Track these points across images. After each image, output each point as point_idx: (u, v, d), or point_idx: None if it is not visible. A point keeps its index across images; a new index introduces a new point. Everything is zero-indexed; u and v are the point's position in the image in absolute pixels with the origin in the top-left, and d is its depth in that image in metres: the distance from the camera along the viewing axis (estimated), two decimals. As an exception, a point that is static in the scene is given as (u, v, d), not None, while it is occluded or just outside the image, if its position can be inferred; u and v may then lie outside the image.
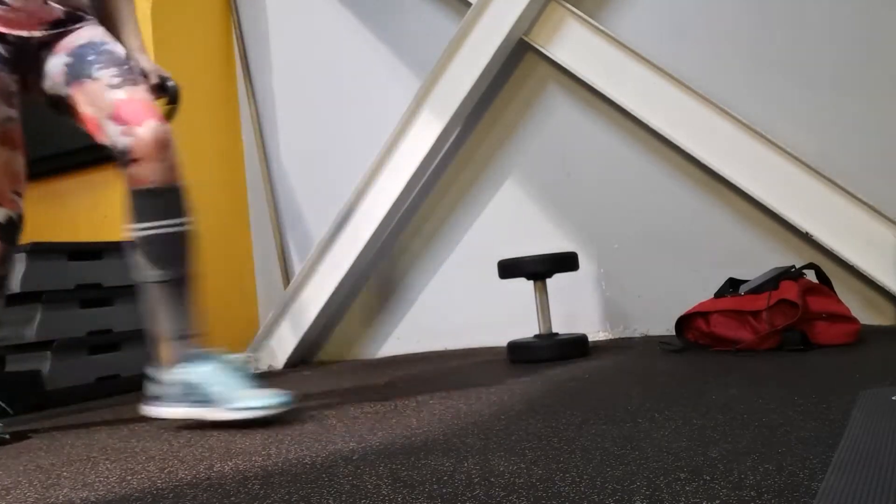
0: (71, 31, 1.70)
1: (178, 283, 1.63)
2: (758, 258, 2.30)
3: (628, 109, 2.46)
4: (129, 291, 2.69)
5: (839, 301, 1.93)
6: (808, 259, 2.18)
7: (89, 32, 1.71)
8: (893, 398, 1.12)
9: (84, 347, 2.51)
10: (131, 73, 1.66)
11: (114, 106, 1.60)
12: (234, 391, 1.53)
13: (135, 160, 1.57)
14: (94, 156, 2.92)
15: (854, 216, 2.17)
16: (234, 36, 3.22)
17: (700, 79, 2.38)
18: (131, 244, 1.62)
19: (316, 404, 1.75)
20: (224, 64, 3.20)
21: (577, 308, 2.59)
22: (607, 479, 0.88)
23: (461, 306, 2.81)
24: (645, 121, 2.44)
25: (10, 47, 1.66)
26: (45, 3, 1.66)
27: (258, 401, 1.50)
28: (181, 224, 1.64)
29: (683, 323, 2.08)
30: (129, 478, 1.18)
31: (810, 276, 2.02)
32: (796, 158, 2.23)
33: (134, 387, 2.63)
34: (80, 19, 1.73)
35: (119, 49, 1.70)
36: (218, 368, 1.57)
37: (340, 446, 1.24)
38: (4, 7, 1.62)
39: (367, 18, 2.98)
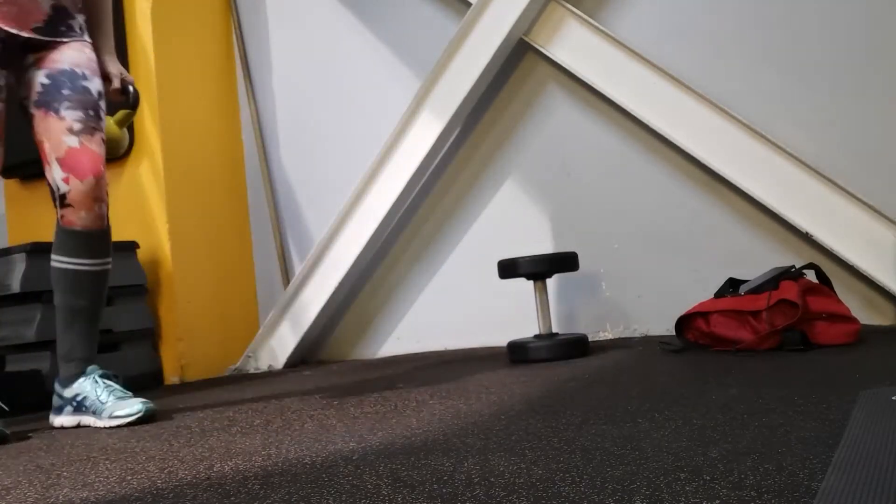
0: (58, 46, 1.76)
1: (82, 313, 1.81)
2: (758, 258, 2.30)
3: (628, 109, 2.46)
4: (129, 291, 2.70)
5: (839, 301, 1.93)
6: (808, 259, 2.18)
7: (75, 56, 1.77)
8: (893, 398, 1.12)
9: (84, 347, 2.51)
10: (97, 118, 1.77)
11: (65, 152, 1.72)
12: (109, 403, 1.76)
13: (68, 206, 1.74)
14: (94, 156, 2.93)
15: (854, 216, 2.17)
16: (234, 36, 3.22)
17: (700, 79, 2.38)
18: (53, 273, 1.81)
19: (316, 404, 1.75)
20: (224, 64, 3.20)
21: (577, 308, 2.59)
22: (607, 479, 0.88)
23: (461, 306, 2.81)
24: (645, 121, 2.44)
25: (0, 43, 1.70)
26: None
27: (126, 409, 1.74)
28: (99, 264, 1.82)
29: (683, 323, 2.08)
30: (129, 478, 1.18)
31: (810, 276, 2.02)
32: (796, 158, 2.23)
33: (134, 387, 2.63)
34: (69, 28, 1.77)
35: (95, 86, 1.79)
36: (96, 384, 1.79)
37: (340, 446, 1.24)
38: None
39: (367, 18, 2.98)
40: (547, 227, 2.67)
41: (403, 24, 2.91)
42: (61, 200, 1.75)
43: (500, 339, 2.44)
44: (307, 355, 3.01)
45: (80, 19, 1.82)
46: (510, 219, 2.74)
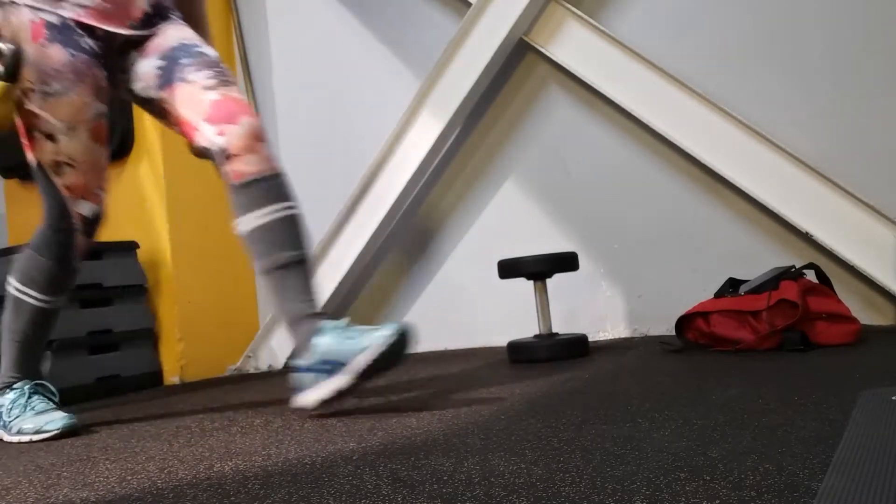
0: (159, 32, 1.69)
1: (304, 262, 1.59)
2: (758, 258, 2.30)
3: (628, 109, 2.46)
4: (129, 291, 2.70)
5: (839, 301, 1.93)
6: (808, 259, 2.18)
7: (179, 33, 1.70)
8: (893, 398, 1.12)
9: (84, 347, 2.51)
10: (224, 74, 1.66)
11: (209, 107, 1.60)
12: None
13: (231, 157, 1.57)
14: (94, 156, 2.93)
15: (854, 216, 2.17)
16: (234, 36, 3.22)
17: (700, 79, 2.38)
18: (245, 238, 1.60)
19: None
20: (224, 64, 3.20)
21: (577, 308, 2.59)
22: (607, 479, 0.88)
23: (461, 306, 2.81)
24: (645, 121, 2.44)
25: (99, 42, 1.65)
26: None
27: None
28: (291, 207, 1.60)
29: (683, 323, 2.08)
30: (129, 478, 1.18)
31: (810, 276, 2.02)
32: (796, 158, 2.23)
33: (134, 387, 2.63)
34: (165, 16, 1.72)
35: (211, 51, 1.70)
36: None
37: (340, 446, 1.24)
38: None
39: (367, 18, 2.98)
40: (547, 227, 2.67)
41: (403, 24, 2.90)
42: (223, 157, 1.57)
43: (500, 339, 2.44)
44: (307, 355, 3.01)
45: (176, 13, 1.77)
46: (510, 219, 2.74)
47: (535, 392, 1.59)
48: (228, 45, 3.22)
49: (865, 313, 2.16)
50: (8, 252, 2.51)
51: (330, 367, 1.50)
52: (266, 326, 2.94)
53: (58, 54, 1.59)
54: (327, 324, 1.55)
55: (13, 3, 1.60)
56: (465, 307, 2.80)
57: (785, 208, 2.26)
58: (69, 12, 1.61)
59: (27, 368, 1.76)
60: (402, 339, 1.47)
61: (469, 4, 2.63)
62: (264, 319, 3.02)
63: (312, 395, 1.54)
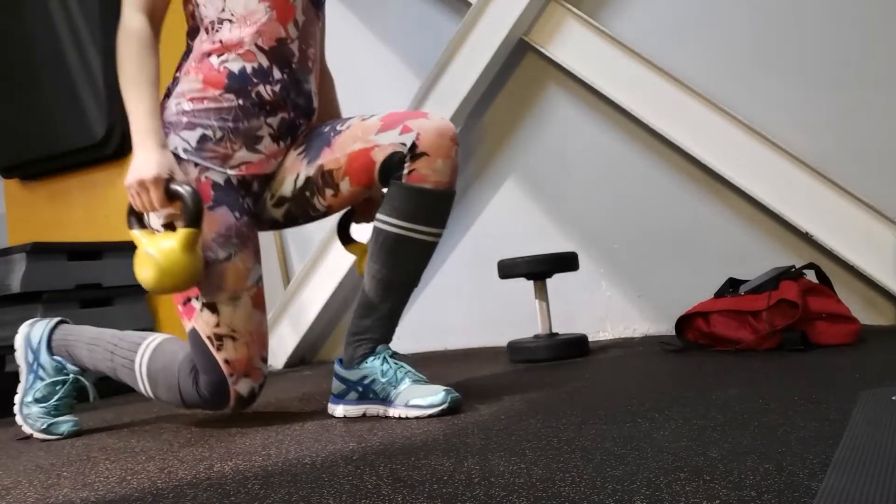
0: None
1: (409, 291, 1.56)
2: (758, 258, 2.30)
3: (628, 109, 2.46)
4: (129, 291, 2.70)
5: (839, 301, 1.93)
6: (808, 259, 2.18)
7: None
8: (893, 398, 1.12)
9: (84, 347, 2.51)
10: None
11: (380, 120, 1.51)
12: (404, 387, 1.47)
13: (421, 155, 1.45)
14: (94, 156, 2.93)
15: (854, 216, 2.17)
16: (234, 36, 3.22)
17: (700, 79, 2.38)
18: (377, 234, 1.51)
19: (316, 404, 1.75)
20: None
21: (577, 308, 2.59)
22: (607, 479, 0.88)
23: (461, 306, 2.81)
24: (645, 121, 2.44)
25: (251, 194, 1.58)
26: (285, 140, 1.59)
27: (429, 398, 1.44)
28: (439, 236, 1.54)
29: (683, 323, 2.08)
30: (129, 478, 1.18)
31: (810, 276, 2.02)
32: (796, 158, 2.23)
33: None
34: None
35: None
36: (387, 363, 1.51)
37: (340, 446, 1.24)
38: (255, 153, 1.55)
39: (368, 18, 2.98)
40: (547, 227, 2.67)
41: (403, 24, 2.91)
42: (411, 153, 1.45)
43: (500, 339, 2.44)
44: (307, 355, 3.01)
45: None
46: (510, 219, 2.74)
47: (535, 392, 1.59)
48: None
49: (865, 313, 2.16)
50: (7, 252, 2.52)
51: (369, 392, 1.50)
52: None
53: (224, 218, 1.50)
54: (379, 350, 1.51)
55: (177, 156, 1.50)
56: (465, 307, 2.80)
57: (785, 208, 2.26)
58: (235, 170, 1.54)
59: (85, 368, 1.71)
60: (446, 412, 1.42)
61: (469, 4, 2.64)
62: (264, 319, 3.02)
63: (341, 408, 1.54)
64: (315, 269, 2.85)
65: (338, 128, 1.57)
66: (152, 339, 1.62)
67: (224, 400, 1.51)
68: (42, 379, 1.68)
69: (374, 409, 1.50)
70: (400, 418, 1.43)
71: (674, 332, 2.11)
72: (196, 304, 1.50)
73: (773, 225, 2.33)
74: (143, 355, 1.60)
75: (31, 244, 2.45)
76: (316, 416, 1.58)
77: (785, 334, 1.84)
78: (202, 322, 1.50)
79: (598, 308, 2.59)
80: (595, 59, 2.50)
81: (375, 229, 1.51)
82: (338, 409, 1.54)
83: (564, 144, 2.64)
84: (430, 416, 1.40)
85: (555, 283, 2.31)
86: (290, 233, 3.12)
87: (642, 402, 1.35)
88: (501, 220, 2.76)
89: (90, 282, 2.55)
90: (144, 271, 1.42)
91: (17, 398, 1.70)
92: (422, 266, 1.57)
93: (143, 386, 1.60)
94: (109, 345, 1.65)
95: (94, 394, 1.71)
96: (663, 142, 2.45)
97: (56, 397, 1.68)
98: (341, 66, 3.05)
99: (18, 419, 1.69)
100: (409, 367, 1.49)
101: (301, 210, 1.61)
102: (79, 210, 3.06)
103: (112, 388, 2.53)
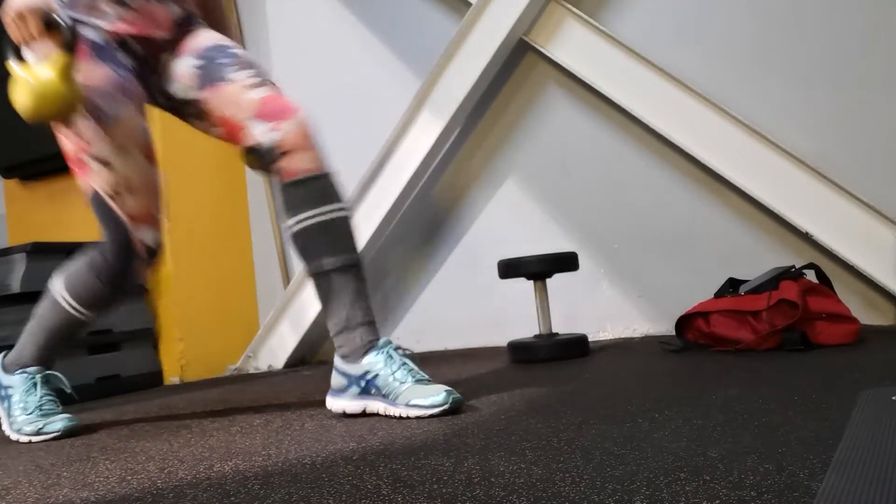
0: (190, 36, 1.66)
1: (355, 267, 1.54)
2: (758, 258, 2.30)
3: (628, 109, 2.46)
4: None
5: (839, 301, 1.93)
6: (808, 259, 2.18)
7: (210, 35, 1.67)
8: (893, 398, 1.12)
9: (84, 347, 2.51)
10: (265, 73, 1.62)
11: (258, 103, 1.55)
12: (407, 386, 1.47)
13: (285, 153, 1.53)
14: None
15: (854, 216, 2.17)
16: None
17: (700, 79, 2.38)
18: (294, 240, 1.55)
19: (316, 404, 1.75)
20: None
21: (577, 308, 2.59)
22: (607, 479, 0.88)
23: (461, 306, 2.81)
24: (645, 121, 2.44)
25: (133, 55, 1.61)
26: (163, 2, 1.63)
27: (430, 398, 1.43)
28: (343, 209, 1.56)
29: (683, 323, 2.08)
30: (129, 478, 1.18)
31: (810, 276, 2.02)
32: (796, 158, 2.23)
33: (134, 387, 2.63)
34: (193, 21, 1.69)
35: (246, 52, 1.66)
36: (391, 359, 1.49)
37: (340, 446, 1.24)
38: (125, 8, 1.59)
39: (367, 18, 2.98)
40: (547, 227, 2.67)
41: (403, 24, 2.91)
42: (275, 154, 1.52)
43: (500, 339, 2.44)
44: (307, 355, 3.01)
45: (202, 23, 1.74)
46: (510, 219, 2.74)
47: (535, 392, 1.59)
48: (228, 45, 3.22)
49: (865, 313, 2.16)
50: (7, 252, 2.52)
51: (370, 388, 1.49)
52: (266, 326, 2.94)
53: (106, 73, 1.54)
54: (381, 343, 1.50)
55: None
56: (466, 307, 2.80)
57: (785, 208, 2.26)
58: (109, 24, 1.57)
59: (41, 357, 1.73)
60: (447, 413, 1.41)
61: (469, 4, 2.64)
62: (264, 319, 3.02)
63: (340, 403, 1.53)
64: (315, 269, 2.85)
65: (229, 73, 1.59)
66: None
67: (132, 254, 1.58)
68: (12, 396, 1.71)
69: (374, 405, 1.49)
70: (400, 418, 1.43)
71: (674, 332, 2.11)
72: (90, 161, 1.55)
73: (773, 225, 2.33)
74: (56, 287, 1.68)
75: (31, 244, 2.45)
76: (316, 416, 1.58)
77: (785, 334, 1.84)
78: (98, 178, 1.56)
79: (599, 308, 2.59)
80: (595, 59, 2.50)
81: (293, 239, 1.55)
82: (337, 405, 1.54)
83: (564, 144, 2.65)
84: (431, 416, 1.40)
85: (555, 283, 2.31)
86: (290, 233, 3.12)
87: (642, 402, 1.35)
88: (501, 220, 2.76)
89: (90, 282, 2.54)
90: (21, 98, 1.44)
91: (3, 427, 1.71)
92: (350, 241, 1.56)
93: (68, 303, 1.65)
94: (34, 317, 1.73)
95: (65, 383, 1.75)
96: (663, 142, 2.45)
97: (36, 399, 1.69)
98: (341, 66, 3.06)
99: (14, 437, 1.68)
100: (412, 365, 1.49)
101: (182, 117, 1.69)
102: (79, 210, 3.05)
103: (112, 387, 2.53)
